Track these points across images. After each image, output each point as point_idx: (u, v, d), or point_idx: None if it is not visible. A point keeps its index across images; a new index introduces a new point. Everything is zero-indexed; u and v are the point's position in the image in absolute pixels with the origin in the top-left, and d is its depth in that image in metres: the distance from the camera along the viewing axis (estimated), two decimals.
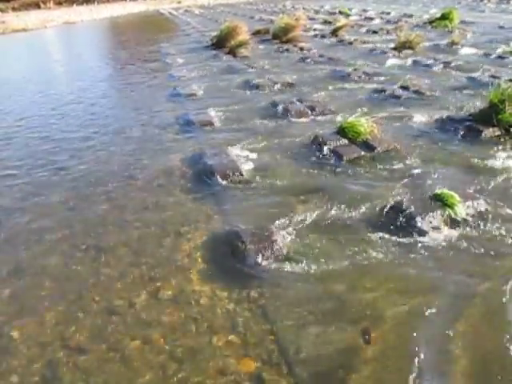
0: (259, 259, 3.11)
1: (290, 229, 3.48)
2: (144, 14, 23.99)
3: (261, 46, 12.12)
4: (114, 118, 6.83)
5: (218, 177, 4.36)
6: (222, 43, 12.09)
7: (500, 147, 4.80)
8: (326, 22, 16.11)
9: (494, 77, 7.50)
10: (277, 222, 3.56)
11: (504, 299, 2.71)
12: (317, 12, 19.99)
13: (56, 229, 3.78)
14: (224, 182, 4.32)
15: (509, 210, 3.61)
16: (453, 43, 10.66)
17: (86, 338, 2.64)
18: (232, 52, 11.35)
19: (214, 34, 12.85)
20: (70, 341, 2.63)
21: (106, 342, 2.60)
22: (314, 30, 14.52)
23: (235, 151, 4.99)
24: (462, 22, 13.71)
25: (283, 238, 3.34)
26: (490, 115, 5.26)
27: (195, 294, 2.93)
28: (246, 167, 4.59)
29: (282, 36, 12.66)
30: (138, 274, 3.16)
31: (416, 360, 2.34)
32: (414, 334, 2.50)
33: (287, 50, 11.33)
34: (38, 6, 30.45)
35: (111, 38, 18.04)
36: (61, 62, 12.97)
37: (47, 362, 2.51)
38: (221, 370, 2.38)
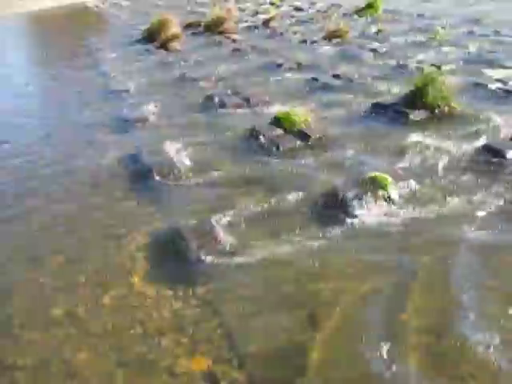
0: (202, 255, 3.09)
1: (232, 221, 3.49)
2: (70, 7, 22.81)
3: (193, 39, 11.94)
4: (39, 120, 6.41)
5: (156, 175, 4.27)
6: (153, 37, 11.75)
7: (425, 128, 5.08)
8: (257, 13, 16.14)
9: (418, 62, 7.90)
10: (218, 215, 3.55)
11: (442, 274, 2.89)
12: (247, 3, 19.99)
13: None
14: (162, 180, 4.24)
15: (436, 186, 3.85)
16: (379, 31, 11.08)
17: (25, 354, 2.51)
18: (164, 46, 11.09)
19: (145, 27, 12.50)
20: (6, 358, 2.48)
21: (49, 356, 2.48)
22: (246, 21, 14.49)
23: (172, 147, 4.90)
24: (386, 10, 14.25)
25: (225, 231, 3.35)
26: (415, 99, 5.56)
27: (140, 297, 2.86)
28: (184, 163, 4.53)
29: (214, 28, 12.53)
30: (78, 280, 3.03)
31: (365, 340, 2.44)
32: (360, 316, 2.61)
33: (220, 42, 11.25)
34: None
35: (34, 34, 17.05)
36: None
37: None
38: (172, 372, 2.35)
